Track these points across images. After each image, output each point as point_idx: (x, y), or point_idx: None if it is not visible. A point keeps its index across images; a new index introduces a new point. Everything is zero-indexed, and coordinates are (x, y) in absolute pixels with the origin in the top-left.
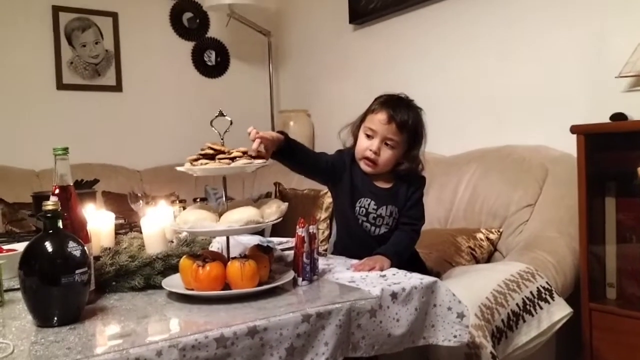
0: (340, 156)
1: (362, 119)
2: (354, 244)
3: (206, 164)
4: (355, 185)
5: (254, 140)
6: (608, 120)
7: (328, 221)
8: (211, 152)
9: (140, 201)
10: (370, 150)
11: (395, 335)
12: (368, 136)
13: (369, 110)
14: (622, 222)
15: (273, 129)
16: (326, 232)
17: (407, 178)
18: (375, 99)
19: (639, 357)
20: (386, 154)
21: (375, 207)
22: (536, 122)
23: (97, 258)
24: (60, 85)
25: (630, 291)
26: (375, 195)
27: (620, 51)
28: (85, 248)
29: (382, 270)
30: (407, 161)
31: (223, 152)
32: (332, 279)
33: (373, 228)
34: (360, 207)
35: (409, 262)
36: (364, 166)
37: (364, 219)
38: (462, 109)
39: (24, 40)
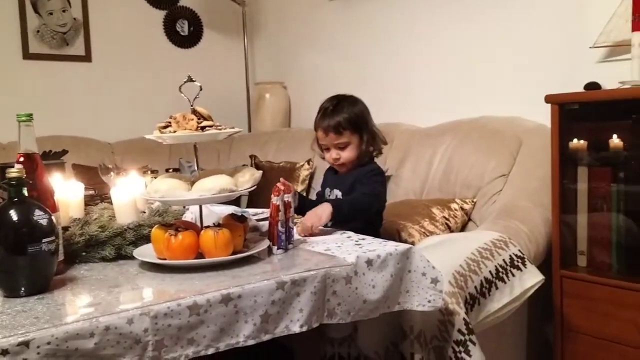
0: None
1: (316, 136)
2: None
3: (175, 131)
4: (327, 182)
5: None
6: (582, 90)
7: (304, 193)
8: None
9: (112, 173)
10: (333, 159)
11: (371, 301)
12: (325, 150)
13: (315, 129)
14: (594, 191)
15: (249, 102)
16: None
17: (366, 162)
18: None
19: (608, 323)
20: (345, 154)
21: (329, 193)
22: (512, 93)
23: (65, 228)
24: (27, 55)
25: (600, 259)
26: (330, 183)
27: (595, 21)
28: (53, 217)
29: (320, 219)
30: (366, 145)
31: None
32: (308, 247)
33: None
34: (326, 198)
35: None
36: (339, 170)
37: None
38: (438, 81)
39: None
